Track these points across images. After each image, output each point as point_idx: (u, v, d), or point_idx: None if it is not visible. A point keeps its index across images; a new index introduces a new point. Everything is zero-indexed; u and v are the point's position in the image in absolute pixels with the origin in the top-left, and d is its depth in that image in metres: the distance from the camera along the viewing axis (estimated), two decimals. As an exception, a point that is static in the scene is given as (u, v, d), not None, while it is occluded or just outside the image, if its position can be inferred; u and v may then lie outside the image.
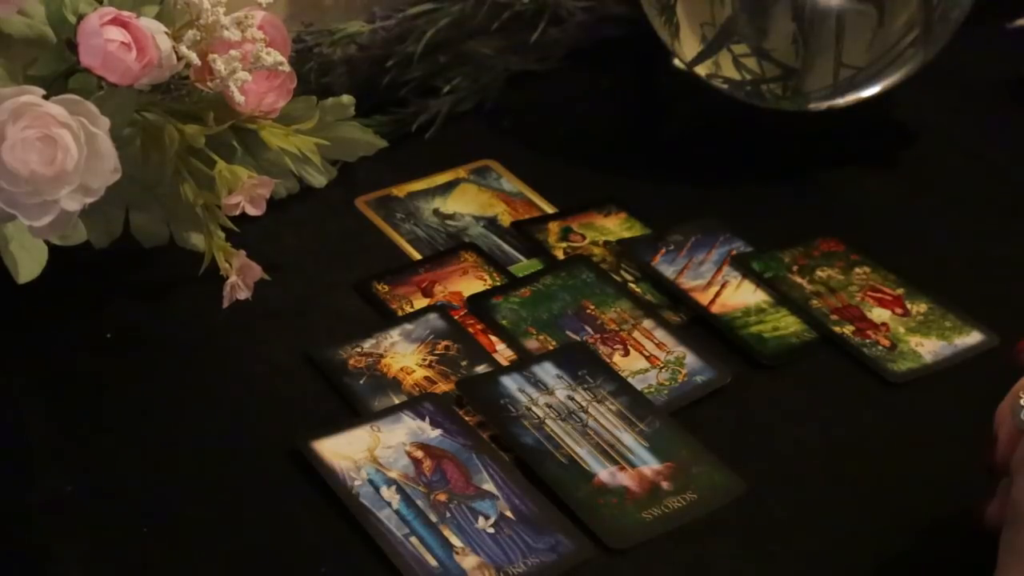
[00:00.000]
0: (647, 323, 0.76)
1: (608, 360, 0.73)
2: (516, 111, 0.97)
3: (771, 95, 0.91)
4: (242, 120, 0.72)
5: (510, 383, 0.71)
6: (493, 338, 0.75)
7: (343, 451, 0.66)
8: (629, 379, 0.72)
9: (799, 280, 0.80)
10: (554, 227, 0.85)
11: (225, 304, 0.71)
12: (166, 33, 0.68)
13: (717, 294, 0.79)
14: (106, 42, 0.65)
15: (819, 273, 0.81)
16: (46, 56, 0.69)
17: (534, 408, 0.69)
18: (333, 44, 0.92)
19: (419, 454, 0.66)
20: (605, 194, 0.88)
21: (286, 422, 0.69)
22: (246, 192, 0.70)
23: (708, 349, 0.74)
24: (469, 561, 0.61)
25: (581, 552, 0.62)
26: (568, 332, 0.75)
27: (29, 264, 0.67)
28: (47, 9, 0.69)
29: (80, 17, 0.67)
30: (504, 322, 0.76)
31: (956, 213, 0.88)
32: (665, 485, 0.65)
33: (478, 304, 0.77)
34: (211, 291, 0.71)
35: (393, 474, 0.65)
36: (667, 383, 0.72)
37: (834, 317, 0.77)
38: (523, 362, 0.73)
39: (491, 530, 0.62)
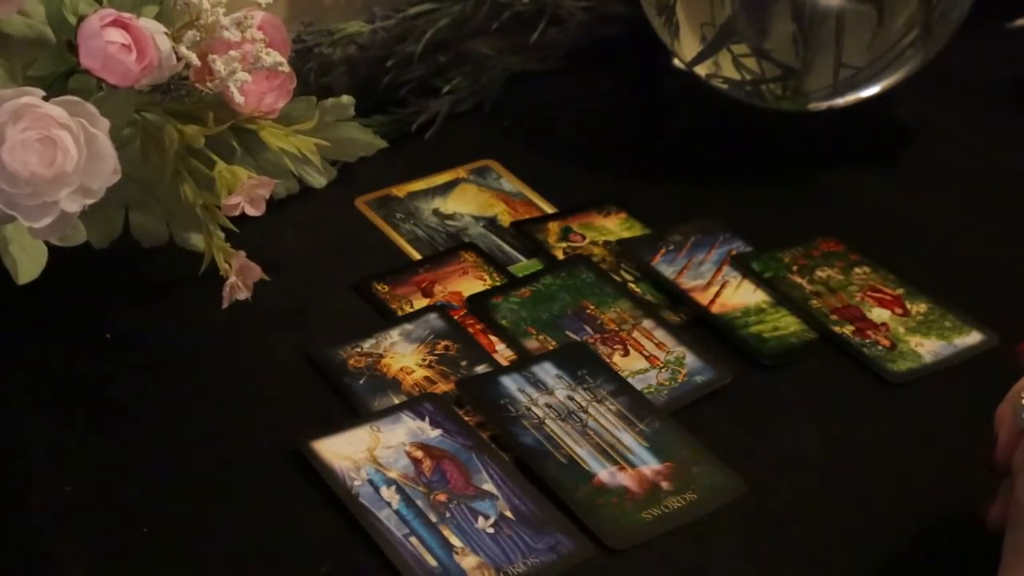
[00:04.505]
0: (647, 323, 0.76)
1: (608, 360, 0.73)
2: (516, 111, 0.97)
3: (771, 95, 0.91)
4: (242, 120, 0.72)
5: (510, 383, 0.71)
6: (493, 338, 0.75)
7: (343, 451, 0.66)
8: (629, 379, 0.72)
9: (799, 280, 0.80)
10: (554, 227, 0.85)
11: (225, 304, 0.71)
12: (166, 34, 0.68)
13: (717, 294, 0.79)
14: (106, 44, 0.65)
15: (819, 273, 0.81)
16: (46, 56, 0.69)
17: (534, 408, 0.69)
18: (333, 44, 0.92)
19: (419, 454, 0.66)
20: (605, 194, 0.88)
21: (286, 422, 0.69)
22: (246, 192, 0.70)
23: (708, 349, 0.74)
24: (469, 561, 0.61)
25: (581, 552, 0.62)
26: (568, 332, 0.75)
27: (29, 265, 0.67)
28: (47, 9, 0.69)
29: (80, 18, 0.67)
30: (504, 322, 0.76)
31: (956, 213, 0.88)
32: (665, 485, 0.65)
33: (478, 304, 0.77)
34: (211, 291, 0.71)
35: (393, 474, 0.65)
36: (667, 383, 0.72)
37: (834, 317, 0.77)
38: (523, 362, 0.73)
39: (491, 530, 0.62)
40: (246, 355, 0.73)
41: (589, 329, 0.76)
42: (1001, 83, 1.04)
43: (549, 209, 0.87)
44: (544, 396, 0.70)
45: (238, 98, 0.69)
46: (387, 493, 0.64)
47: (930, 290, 0.79)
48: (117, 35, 0.66)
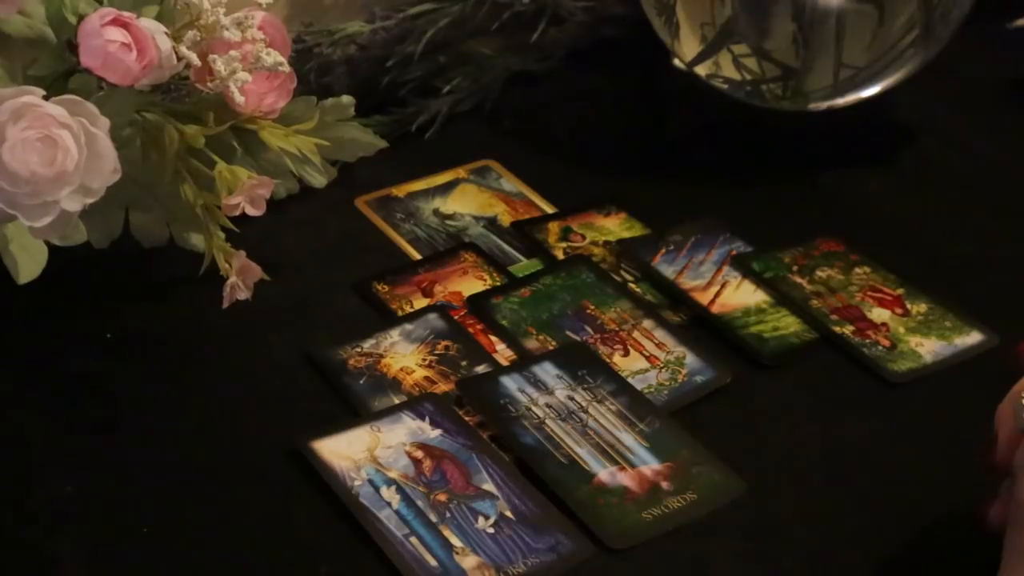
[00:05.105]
0: (647, 323, 0.76)
1: (608, 360, 0.73)
2: (516, 111, 0.97)
3: (771, 95, 0.91)
4: (242, 120, 0.72)
5: (510, 383, 0.71)
6: (493, 338, 0.75)
7: (343, 451, 0.66)
8: (629, 379, 0.72)
9: (799, 280, 0.80)
10: (554, 227, 0.85)
11: (225, 304, 0.71)
12: (166, 33, 0.68)
13: (717, 294, 0.79)
14: (106, 43, 0.65)
15: (819, 273, 0.81)
16: (46, 56, 0.69)
17: (534, 408, 0.69)
18: (333, 44, 0.92)
19: (419, 454, 0.66)
20: (605, 194, 0.88)
21: (286, 422, 0.69)
22: (246, 192, 0.70)
23: (708, 349, 0.74)
24: (469, 561, 0.61)
25: (581, 552, 0.62)
26: (568, 332, 0.75)
27: (29, 264, 0.67)
28: (47, 9, 0.69)
29: (80, 17, 0.67)
30: (504, 322, 0.76)
31: (956, 213, 0.88)
32: (665, 485, 0.65)
33: (478, 304, 0.77)
34: (211, 291, 0.71)
35: (393, 474, 0.65)
36: (667, 383, 0.72)
37: (834, 317, 0.77)
38: (523, 362, 0.73)
39: (491, 530, 0.62)
40: (246, 355, 0.73)
41: (589, 329, 0.76)
42: (1001, 83, 1.04)
43: (549, 209, 0.87)
44: (544, 396, 0.70)
45: (238, 98, 0.69)
46: (387, 493, 0.64)
47: (930, 290, 0.79)
48: (117, 34, 0.66)
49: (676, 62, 0.92)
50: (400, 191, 0.88)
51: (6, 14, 0.66)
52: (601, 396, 0.70)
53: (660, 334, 0.75)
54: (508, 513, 0.63)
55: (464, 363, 0.73)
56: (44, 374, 0.71)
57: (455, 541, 0.62)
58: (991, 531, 0.58)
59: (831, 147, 0.93)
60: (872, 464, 0.68)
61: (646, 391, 0.71)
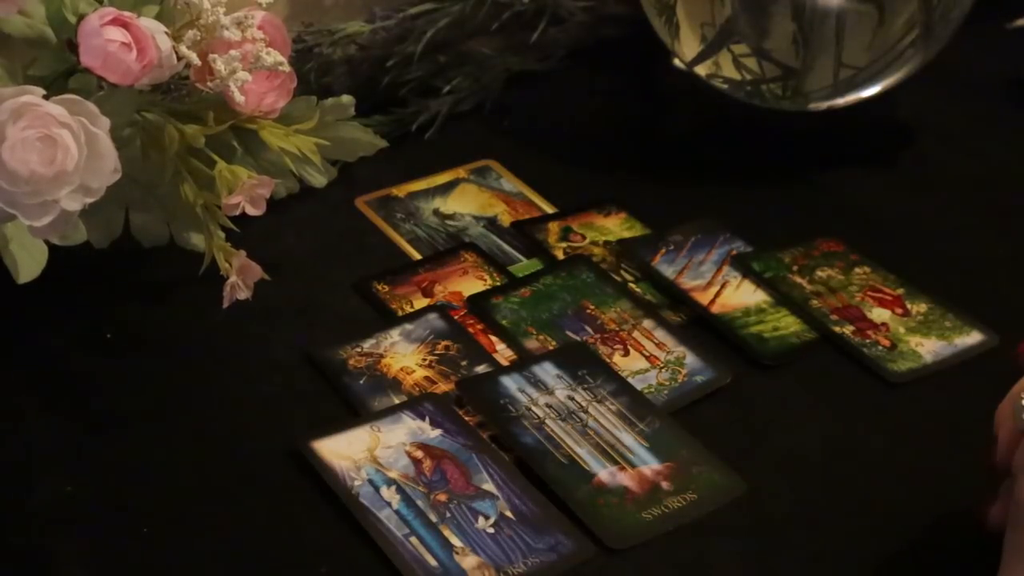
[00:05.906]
0: (647, 323, 0.76)
1: (608, 360, 0.73)
2: (516, 111, 0.97)
3: (771, 95, 0.91)
4: (242, 120, 0.72)
5: (510, 383, 0.71)
6: (493, 338, 0.75)
7: (343, 451, 0.66)
8: (629, 379, 0.72)
9: (799, 280, 0.80)
10: (554, 227, 0.85)
11: (225, 304, 0.71)
12: (166, 33, 0.68)
13: (717, 294, 0.79)
14: (107, 42, 0.65)
15: (819, 273, 0.81)
16: (46, 56, 0.69)
17: (534, 408, 0.69)
18: (333, 44, 0.92)
19: (419, 454, 0.66)
20: (605, 194, 0.88)
21: (286, 422, 0.69)
22: (246, 192, 0.70)
23: (708, 349, 0.74)
24: (469, 561, 0.61)
25: (581, 552, 0.62)
26: (568, 332, 0.75)
27: (29, 264, 0.67)
28: (47, 9, 0.69)
29: (80, 17, 0.67)
30: (504, 322, 0.76)
31: (956, 213, 0.88)
32: (665, 485, 0.65)
33: (478, 304, 0.77)
34: (211, 291, 0.71)
35: (393, 474, 0.65)
36: (667, 383, 0.72)
37: (834, 317, 0.77)
38: (523, 362, 0.73)
39: (491, 530, 0.62)
40: (246, 355, 0.73)
41: (589, 329, 0.76)
42: (1001, 83, 1.04)
43: (549, 209, 0.87)
44: (544, 396, 0.70)
45: (238, 98, 0.69)
46: (387, 493, 0.64)
47: (930, 290, 0.79)
48: (117, 34, 0.66)
49: (676, 62, 0.92)
50: (400, 191, 0.88)
51: (6, 14, 0.66)
52: (601, 396, 0.70)
53: (660, 334, 0.75)
54: (508, 513, 0.63)
55: (464, 363, 0.73)
56: (44, 374, 0.71)
57: (455, 541, 0.62)
58: (991, 531, 0.58)
59: (831, 147, 0.93)
60: (872, 464, 0.68)
61: (646, 391, 0.71)
